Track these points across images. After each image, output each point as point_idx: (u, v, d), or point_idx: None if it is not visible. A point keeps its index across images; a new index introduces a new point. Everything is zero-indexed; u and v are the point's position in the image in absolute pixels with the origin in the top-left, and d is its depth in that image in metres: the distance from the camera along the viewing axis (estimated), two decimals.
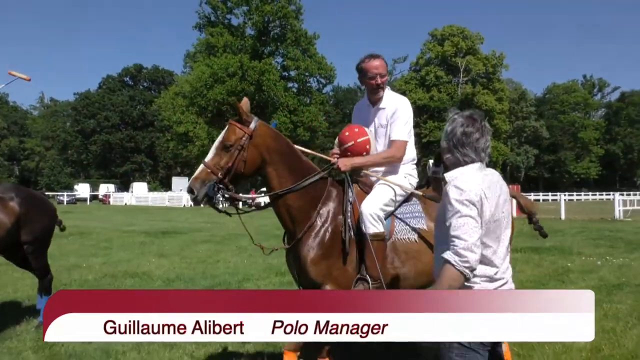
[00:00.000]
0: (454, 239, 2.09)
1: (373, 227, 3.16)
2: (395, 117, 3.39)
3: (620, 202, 23.82)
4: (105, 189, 57.04)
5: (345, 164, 3.25)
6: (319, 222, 3.19)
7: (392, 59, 69.46)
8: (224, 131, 3.13)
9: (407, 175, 3.46)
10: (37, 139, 78.00)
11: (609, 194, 57.54)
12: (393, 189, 3.30)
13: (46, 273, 5.29)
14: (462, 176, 2.22)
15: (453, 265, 2.05)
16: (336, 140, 3.46)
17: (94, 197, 56.13)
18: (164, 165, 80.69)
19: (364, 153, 3.33)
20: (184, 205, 43.57)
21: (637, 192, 47.02)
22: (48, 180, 67.92)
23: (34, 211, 5.02)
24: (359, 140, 3.33)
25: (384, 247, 3.21)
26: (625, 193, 36.13)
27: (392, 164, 3.43)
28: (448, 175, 2.28)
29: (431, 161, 2.62)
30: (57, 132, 77.51)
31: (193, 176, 3.07)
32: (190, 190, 3.03)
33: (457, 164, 2.30)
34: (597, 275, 7.86)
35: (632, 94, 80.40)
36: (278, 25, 47.62)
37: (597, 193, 57.92)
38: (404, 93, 63.81)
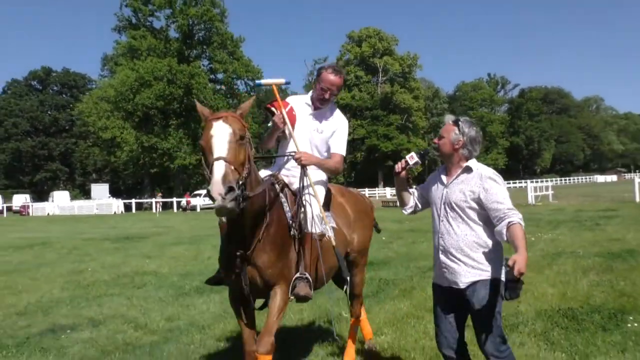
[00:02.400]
0: (512, 208, 2.72)
1: (318, 227, 3.27)
2: (340, 132, 3.57)
3: (532, 189, 26.97)
4: (23, 199, 53.83)
5: (308, 158, 3.32)
6: (272, 223, 3.08)
7: (313, 60, 71.12)
8: (224, 122, 2.74)
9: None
10: None
11: (515, 182, 63.31)
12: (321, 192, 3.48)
13: None
14: (484, 166, 2.90)
15: (522, 225, 2.68)
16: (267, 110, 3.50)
17: (7, 209, 52.81)
18: (80, 172, 77.16)
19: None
20: (115, 212, 42.58)
21: (538, 180, 52.29)
22: None
23: None
24: (289, 108, 3.47)
25: (318, 246, 3.28)
26: (534, 181, 40.17)
27: (333, 173, 3.69)
28: (474, 165, 2.90)
29: (414, 153, 3.05)
30: None
31: (221, 174, 2.56)
32: (230, 189, 2.52)
33: (469, 156, 2.91)
34: (537, 248, 9.69)
35: (530, 90, 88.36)
36: (203, 28, 47.72)
37: (506, 182, 63.36)
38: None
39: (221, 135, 2.70)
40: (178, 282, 7.99)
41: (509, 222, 2.64)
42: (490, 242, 2.79)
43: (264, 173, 3.46)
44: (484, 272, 2.76)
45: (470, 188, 2.81)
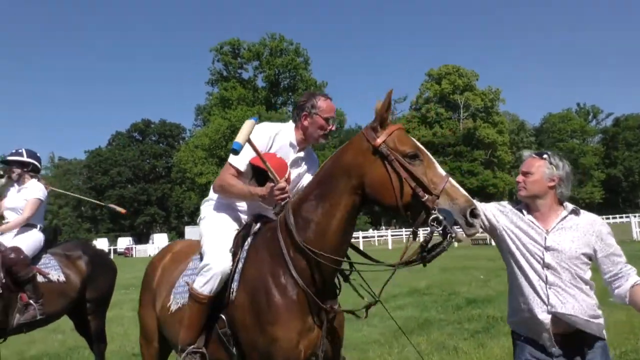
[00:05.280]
0: (627, 262, 2.48)
1: None
2: (317, 167, 3.02)
3: (636, 223, 25.45)
4: (127, 242, 58.31)
5: None
6: None
7: (393, 100, 72.19)
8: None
9: None
10: (51, 198, 79.62)
11: (615, 217, 59.22)
12: None
13: (103, 336, 5.11)
14: (585, 211, 2.55)
15: None
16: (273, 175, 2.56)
17: (114, 251, 57.31)
18: (175, 215, 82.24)
19: None
20: None
21: None
22: (68, 236, 69.13)
23: (99, 269, 4.99)
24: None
25: None
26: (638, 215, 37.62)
27: None
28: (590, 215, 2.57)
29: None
30: (71, 190, 79.30)
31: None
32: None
33: (563, 197, 2.53)
34: None
35: (626, 119, 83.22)
36: (288, 76, 50.46)
37: (604, 216, 59.53)
38: (407, 131, 66.52)
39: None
40: None
41: (634, 283, 2.38)
42: (595, 305, 2.43)
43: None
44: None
45: (583, 237, 2.42)
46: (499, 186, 60.98)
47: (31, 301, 4.33)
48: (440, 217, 2.09)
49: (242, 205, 2.92)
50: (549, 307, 2.40)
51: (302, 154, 2.94)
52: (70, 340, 7.50)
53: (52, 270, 4.62)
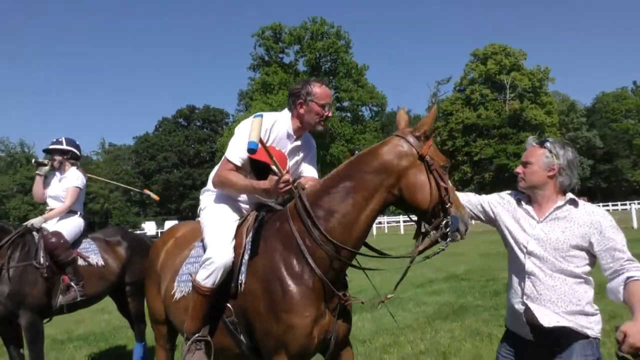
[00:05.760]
0: (633, 259, 2.22)
1: None
2: (313, 153, 3.11)
3: None
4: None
5: None
6: None
7: (436, 81, 70.90)
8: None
9: None
10: (102, 183, 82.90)
11: None
12: None
13: (142, 317, 5.28)
14: (590, 204, 2.47)
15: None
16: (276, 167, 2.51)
17: (161, 234, 59.13)
18: None
19: None
20: None
21: None
22: (118, 220, 71.97)
23: (138, 254, 5.13)
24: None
25: None
26: None
27: None
28: (577, 199, 2.42)
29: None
30: (121, 174, 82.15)
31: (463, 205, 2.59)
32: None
33: (567, 186, 2.44)
34: None
35: None
36: (329, 60, 50.11)
37: None
38: (450, 114, 65.69)
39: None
40: None
41: (627, 278, 2.14)
42: (583, 301, 2.32)
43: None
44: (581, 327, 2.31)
45: (577, 228, 2.32)
46: None
47: (72, 283, 4.57)
48: (450, 222, 2.42)
49: (242, 196, 2.94)
50: (524, 297, 2.40)
51: (299, 142, 2.92)
52: (115, 320, 7.83)
53: (92, 254, 4.87)
